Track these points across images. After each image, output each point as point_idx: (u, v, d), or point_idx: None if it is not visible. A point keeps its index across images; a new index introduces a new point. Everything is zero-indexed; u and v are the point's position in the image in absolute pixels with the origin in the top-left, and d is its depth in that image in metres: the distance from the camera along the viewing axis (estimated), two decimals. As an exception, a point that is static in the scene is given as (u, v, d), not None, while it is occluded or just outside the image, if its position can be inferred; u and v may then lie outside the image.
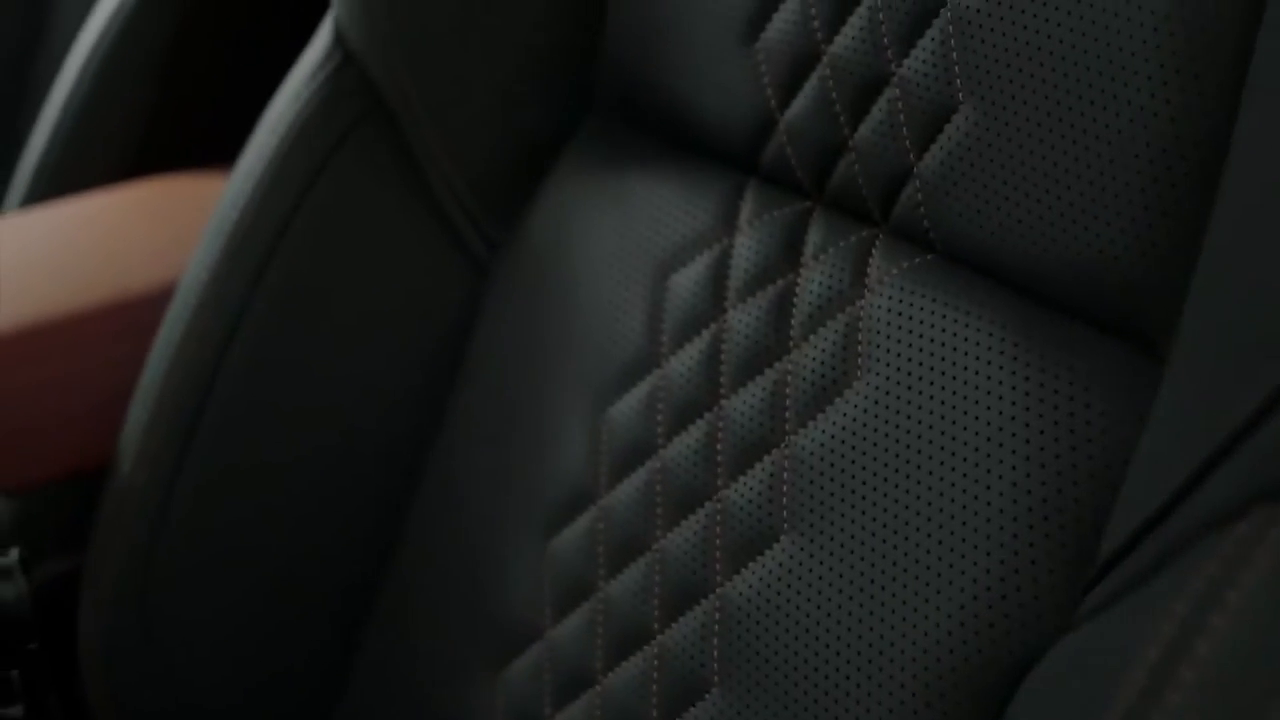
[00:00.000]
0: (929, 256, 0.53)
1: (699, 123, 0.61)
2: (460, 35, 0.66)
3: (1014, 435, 0.47)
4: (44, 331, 0.74)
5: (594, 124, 0.66)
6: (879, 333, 0.52)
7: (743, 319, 0.57)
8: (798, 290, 0.56)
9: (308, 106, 0.68)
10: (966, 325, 0.50)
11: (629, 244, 0.62)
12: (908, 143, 0.53)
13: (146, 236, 0.83)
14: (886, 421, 0.51)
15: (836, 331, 0.54)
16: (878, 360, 0.52)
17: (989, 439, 0.48)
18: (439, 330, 0.68)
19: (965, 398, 0.49)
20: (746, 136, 0.59)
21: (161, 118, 0.94)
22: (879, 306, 0.53)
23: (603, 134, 0.66)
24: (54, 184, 0.93)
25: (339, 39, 0.69)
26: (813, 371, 0.54)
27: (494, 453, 0.65)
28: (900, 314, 0.52)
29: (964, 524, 0.48)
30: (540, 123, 0.67)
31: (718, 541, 0.55)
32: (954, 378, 0.50)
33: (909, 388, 0.51)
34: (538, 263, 0.65)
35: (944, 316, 0.51)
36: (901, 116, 0.53)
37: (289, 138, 0.68)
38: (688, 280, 0.59)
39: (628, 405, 0.60)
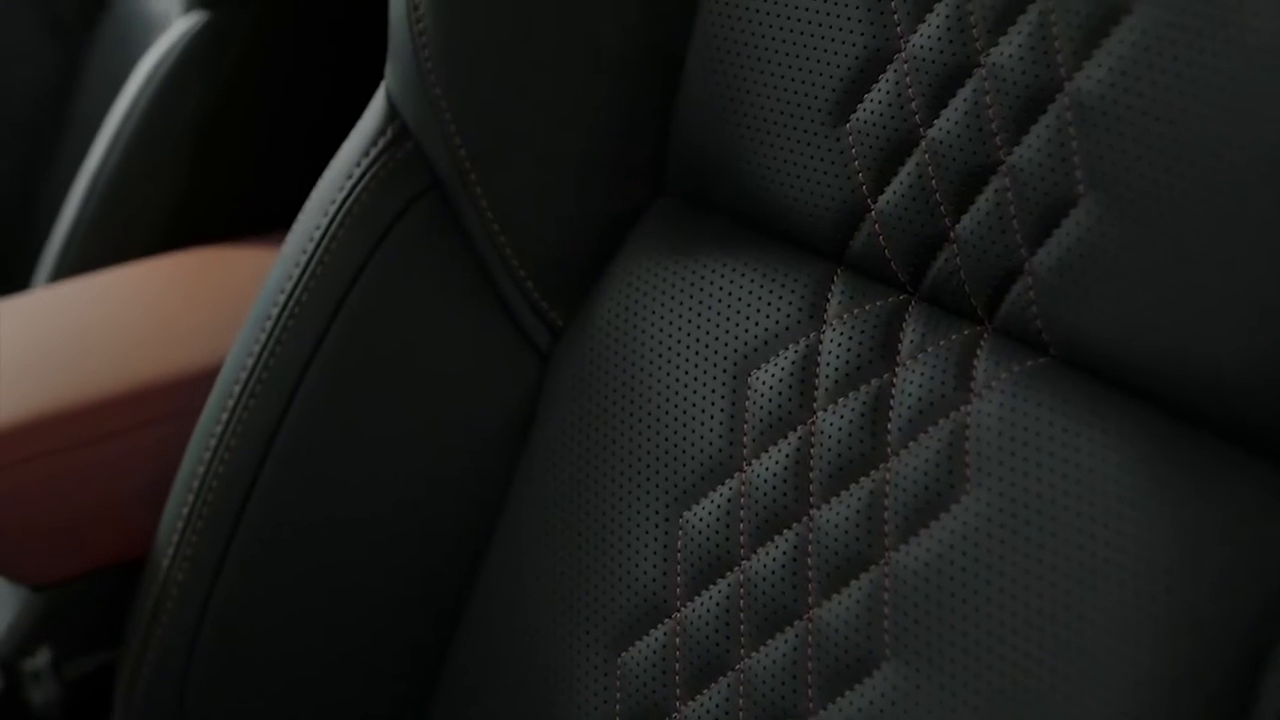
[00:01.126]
0: (1041, 359, 0.49)
1: (780, 207, 0.57)
2: (522, 113, 0.62)
3: (1152, 573, 0.43)
4: (76, 417, 0.71)
5: (664, 205, 0.63)
6: (989, 442, 0.48)
7: (834, 421, 0.53)
8: (895, 391, 0.52)
9: (360, 184, 0.64)
10: (1090, 439, 0.46)
11: (705, 334, 0.58)
12: (1018, 236, 0.49)
13: (185, 313, 0.80)
14: (1002, 541, 0.47)
15: (940, 439, 0.50)
16: (989, 473, 0.48)
17: (1122, 567, 0.44)
18: (498, 417, 0.64)
19: (1093, 520, 0.45)
20: (834, 223, 0.56)
21: (197, 187, 0.90)
22: (988, 413, 0.49)
23: (673, 215, 0.62)
24: (85, 256, 0.90)
25: (393, 111, 0.65)
26: (915, 482, 0.50)
27: (558, 551, 0.61)
28: (1013, 423, 0.48)
29: (1091, 662, 0.44)
30: (606, 203, 0.63)
31: (809, 665, 0.51)
32: (1078, 497, 0.45)
33: (1026, 505, 0.47)
34: (604, 351, 0.62)
35: (1064, 429, 0.47)
36: (1011, 208, 0.49)
37: (341, 216, 0.64)
38: (771, 377, 0.56)
39: (706, 511, 0.56)
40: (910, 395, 0.51)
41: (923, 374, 0.51)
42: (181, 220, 0.91)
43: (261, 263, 0.85)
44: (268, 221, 0.90)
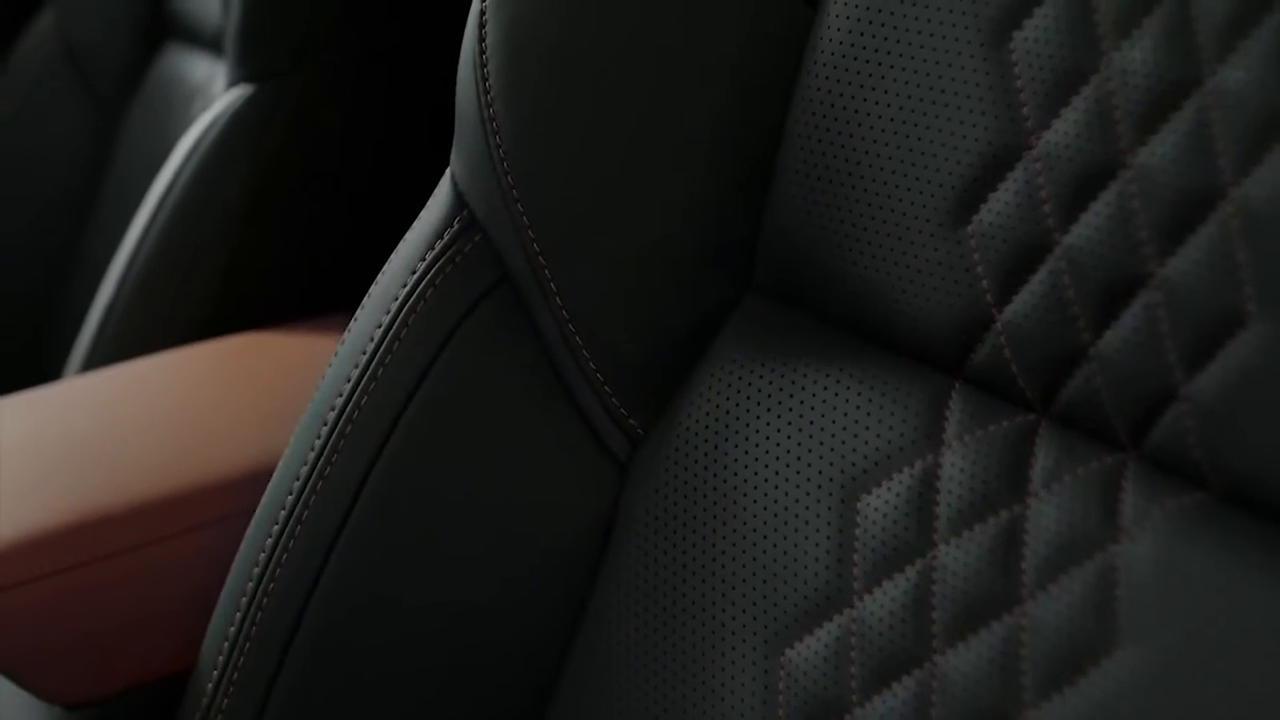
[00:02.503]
0: (1199, 495, 0.44)
1: (890, 312, 0.52)
2: (601, 204, 0.57)
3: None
4: (111, 523, 0.66)
5: (755, 305, 0.58)
6: (1144, 589, 0.43)
7: (959, 557, 0.48)
8: (1029, 525, 0.47)
9: (426, 278, 0.60)
10: (1266, 587, 0.41)
11: (806, 452, 0.53)
12: (1173, 357, 0.44)
13: (230, 406, 0.75)
14: (1163, 704, 0.42)
15: (1085, 583, 0.45)
16: (1145, 624, 0.43)
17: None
18: (572, 530, 0.59)
19: (1273, 679, 0.40)
20: (952, 334, 0.51)
21: (241, 268, 0.86)
22: (1140, 556, 0.44)
23: (767, 317, 0.57)
24: (121, 341, 0.86)
25: (461, 200, 0.61)
26: (1057, 630, 0.45)
27: (642, 685, 0.56)
28: (1172, 567, 0.43)
29: None
30: (691, 302, 0.58)
31: (935, 832, 0.46)
32: (1254, 653, 0.40)
33: (1191, 662, 0.41)
34: (691, 464, 0.57)
35: (1234, 575, 0.42)
36: (1164, 326, 0.44)
37: (404, 313, 0.60)
38: (884, 503, 0.51)
39: (811, 650, 0.51)
40: (1047, 530, 0.46)
41: (1060, 507, 0.46)
42: (225, 303, 0.86)
43: (310, 349, 0.80)
44: (317, 304, 0.86)
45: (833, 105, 0.54)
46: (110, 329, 0.86)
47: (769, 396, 0.55)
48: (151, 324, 0.85)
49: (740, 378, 0.56)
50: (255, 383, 0.78)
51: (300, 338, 0.83)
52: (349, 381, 0.60)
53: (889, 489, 0.50)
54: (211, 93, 1.20)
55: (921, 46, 0.51)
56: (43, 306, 1.19)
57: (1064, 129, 0.47)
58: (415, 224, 0.62)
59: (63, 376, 0.93)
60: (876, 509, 0.50)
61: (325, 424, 0.60)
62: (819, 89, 0.54)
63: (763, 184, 0.57)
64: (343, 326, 0.83)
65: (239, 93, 0.87)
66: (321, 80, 0.86)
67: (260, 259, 0.87)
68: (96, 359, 0.87)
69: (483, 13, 0.60)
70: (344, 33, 0.86)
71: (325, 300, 0.86)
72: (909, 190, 0.51)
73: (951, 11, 0.50)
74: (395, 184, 0.89)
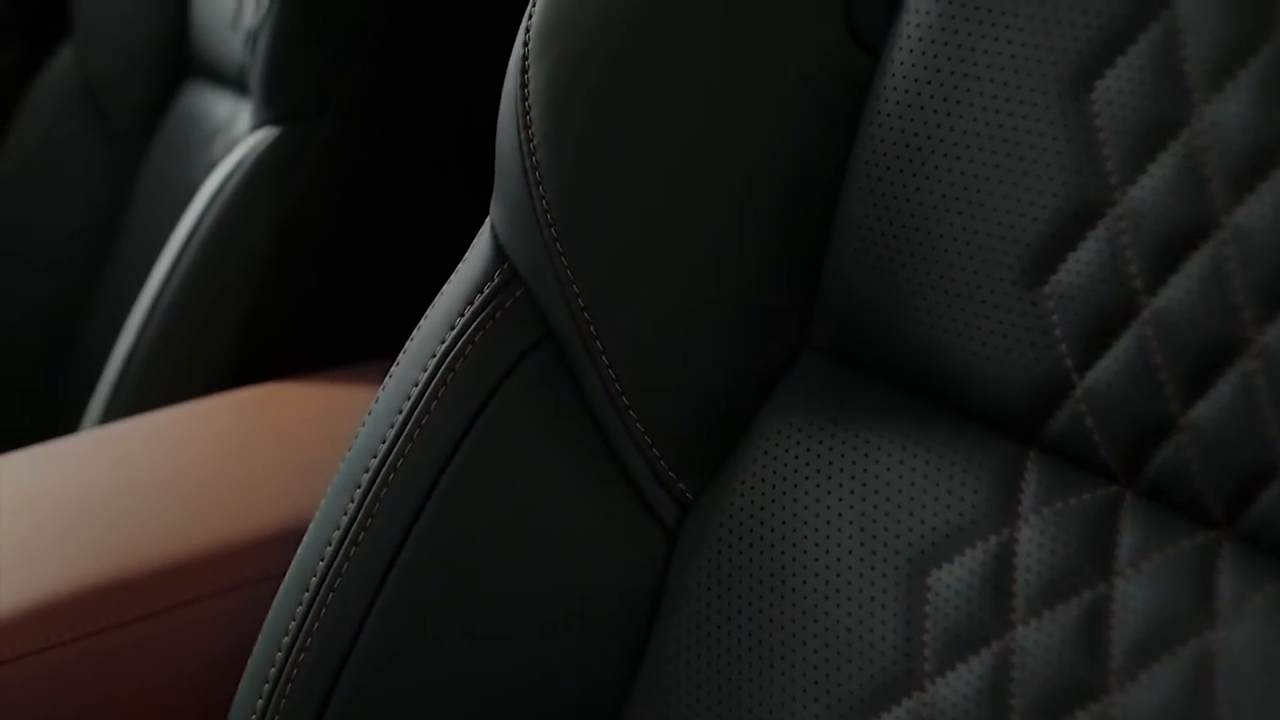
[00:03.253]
0: (1304, 578, 0.41)
1: (959, 376, 0.50)
2: (651, 259, 0.55)
3: None
4: (133, 585, 0.63)
5: (812, 363, 0.55)
6: (1245, 680, 0.40)
7: (1039, 640, 0.45)
8: (1114, 607, 0.44)
9: (465, 335, 0.57)
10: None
11: (871, 523, 0.50)
12: (1273, 429, 0.41)
13: (255, 460, 0.73)
14: (1271, 809, 0.39)
15: (1180, 671, 0.42)
16: (1250, 716, 0.40)
17: None
18: (617, 598, 0.56)
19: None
20: (1028, 399, 0.48)
21: (265, 315, 0.84)
22: (1240, 642, 0.41)
23: (823, 376, 0.55)
24: (142, 390, 0.83)
25: (501, 253, 0.58)
26: (1150, 722, 0.42)
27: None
28: (1276, 657, 0.40)
29: None
30: (745, 361, 0.55)
31: None
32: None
33: (1301, 764, 0.39)
34: (745, 534, 0.54)
35: (1347, 670, 0.39)
36: (1263, 396, 0.41)
37: (443, 371, 0.57)
38: (956, 580, 0.48)
39: (880, 735, 0.48)
40: (1136, 613, 0.43)
41: (1150, 588, 0.43)
42: (249, 350, 0.84)
43: (338, 399, 0.78)
44: (344, 352, 0.83)
45: (898, 156, 0.51)
46: (130, 377, 0.83)
47: (829, 463, 0.52)
48: (174, 372, 0.83)
49: (798, 442, 0.53)
50: (281, 435, 0.75)
51: (327, 387, 0.80)
52: (384, 442, 0.58)
53: (961, 564, 0.48)
54: (234, 132, 1.18)
55: (994, 96, 0.48)
56: (59, 351, 1.17)
57: (1151, 185, 0.45)
58: (454, 276, 0.60)
59: (80, 426, 0.90)
60: (948, 585, 0.48)
61: (359, 486, 0.58)
62: (882, 139, 0.51)
63: (820, 236, 0.54)
64: (370, 375, 0.81)
65: (264, 135, 0.85)
66: (348, 123, 0.84)
67: (286, 305, 0.84)
68: (116, 408, 0.84)
69: (525, 57, 0.58)
70: (371, 74, 0.84)
71: (352, 348, 0.84)
72: (981, 246, 0.49)
73: (1027, 59, 0.48)
74: (424, 228, 0.87)
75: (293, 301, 0.84)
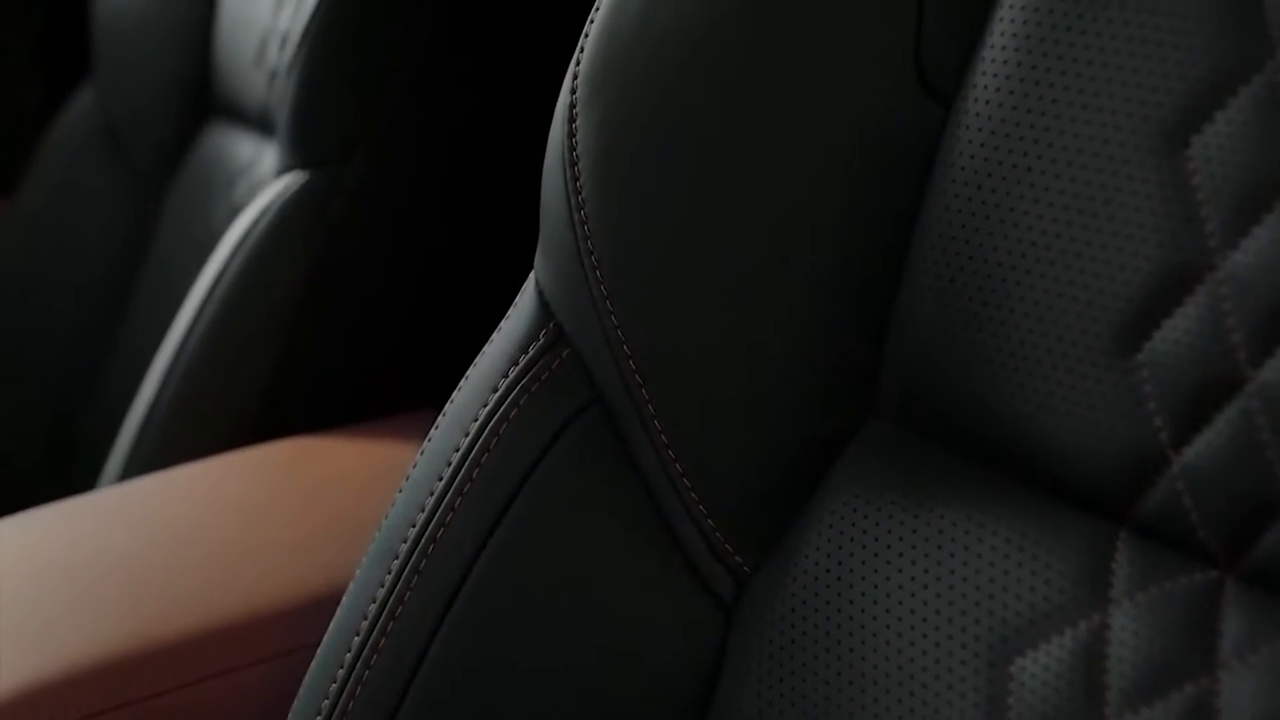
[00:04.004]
0: None
1: (1043, 449, 0.47)
2: (707, 319, 0.52)
3: None
4: (153, 659, 0.60)
5: (878, 433, 0.52)
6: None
7: (1138, 737, 0.42)
8: (1220, 704, 0.41)
9: (509, 398, 0.54)
10: None
11: (946, 604, 0.47)
12: (1399, 517, 0.38)
13: (283, 521, 0.70)
14: None
15: (1297, 778, 0.39)
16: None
17: None
18: (670, 678, 0.53)
19: None
20: (1118, 475, 0.45)
21: (291, 367, 0.81)
22: (1365, 749, 0.38)
23: (890, 446, 0.51)
24: (164, 443, 0.80)
25: (547, 310, 0.55)
26: (1265, 834, 0.39)
27: None
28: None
29: None
30: (806, 428, 0.52)
31: None
32: None
33: None
34: (809, 612, 0.51)
35: None
36: (1387, 479, 0.39)
37: (485, 436, 0.54)
38: (1043, 669, 0.44)
39: (961, 836, 0.45)
40: (1243, 710, 0.40)
41: (1259, 683, 0.40)
42: (274, 403, 0.81)
43: (366, 455, 0.75)
44: (371, 406, 0.80)
45: (973, 213, 0.48)
46: (152, 429, 0.80)
47: (900, 539, 0.49)
48: (197, 425, 0.80)
49: (865, 516, 0.50)
50: (308, 494, 0.72)
51: (355, 443, 0.77)
52: (423, 511, 0.55)
53: (1048, 652, 0.44)
54: (257, 173, 1.15)
55: (1080, 151, 0.45)
56: (79, 395, 1.14)
57: (1255, 249, 0.42)
58: (496, 334, 0.57)
59: (100, 477, 0.87)
60: (1034, 675, 0.44)
61: (396, 556, 0.55)
62: (956, 193, 0.48)
63: (886, 298, 0.51)
64: (401, 429, 0.78)
65: (291, 180, 0.82)
66: (378, 167, 0.81)
67: (312, 356, 0.81)
68: (137, 462, 0.81)
69: (572, 105, 0.55)
70: (401, 117, 0.81)
71: (381, 401, 0.81)
72: (1067, 310, 0.46)
73: (1115, 112, 0.45)
74: (454, 278, 0.84)
75: (319, 352, 0.81)
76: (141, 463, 0.82)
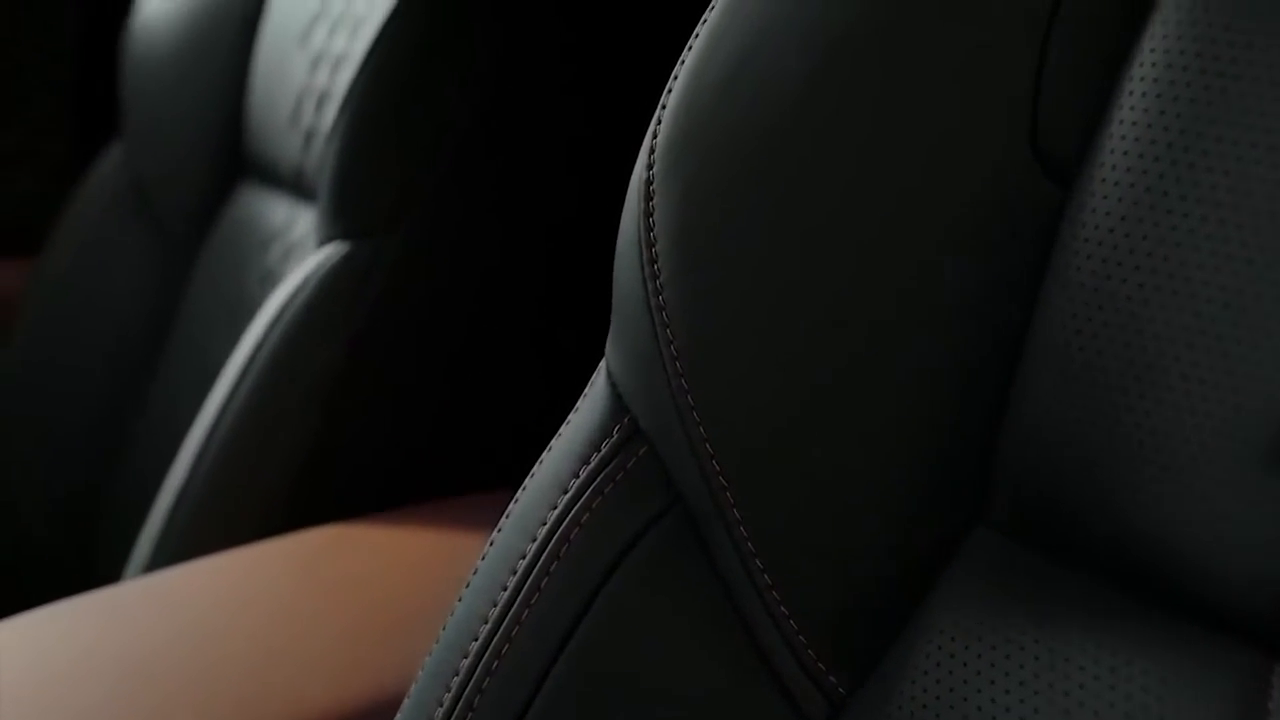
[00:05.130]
0: None
1: (1179, 566, 0.42)
2: (801, 414, 0.47)
3: None
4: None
5: (989, 543, 0.47)
6: None
7: None
8: None
9: (581, 500, 0.50)
10: None
11: (1075, 740, 0.42)
12: None
13: (324, 621, 0.65)
14: None
15: None
16: None
17: None
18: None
19: None
20: (1271, 599, 0.40)
21: (330, 449, 0.76)
22: None
23: (1005, 559, 0.47)
24: (194, 530, 0.76)
25: (620, 403, 0.51)
26: None
27: None
28: None
29: None
30: (908, 537, 0.48)
31: None
32: None
33: None
34: (912, 740, 0.46)
35: None
36: None
37: (555, 542, 0.49)
38: (1194, 823, 0.40)
39: None
40: None
41: None
42: (310, 486, 0.76)
43: (409, 545, 0.71)
44: (410, 492, 0.76)
45: (1100, 305, 0.44)
46: (182, 515, 0.76)
47: (1021, 668, 0.44)
48: (229, 511, 0.76)
49: (978, 638, 0.45)
50: (349, 588, 0.68)
51: (396, 531, 0.73)
52: (485, 623, 0.50)
53: (1199, 804, 0.40)
54: (291, 237, 1.11)
55: (1227, 239, 0.41)
56: (103, 467, 1.10)
57: None
58: (564, 428, 0.52)
59: (126, 565, 0.83)
60: (1183, 830, 0.40)
61: (457, 674, 0.50)
62: (1082, 283, 0.44)
63: (998, 395, 0.47)
64: (443, 517, 0.74)
65: (331, 251, 0.78)
66: (424, 237, 0.77)
67: (351, 437, 0.77)
68: (165, 550, 0.77)
69: (649, 181, 0.51)
70: (449, 185, 0.77)
71: (423, 485, 0.77)
72: (1210, 415, 0.41)
73: (1270, 196, 0.40)
74: (503, 355, 0.79)
75: (358, 432, 0.77)
76: (172, 546, 0.77)
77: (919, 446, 0.47)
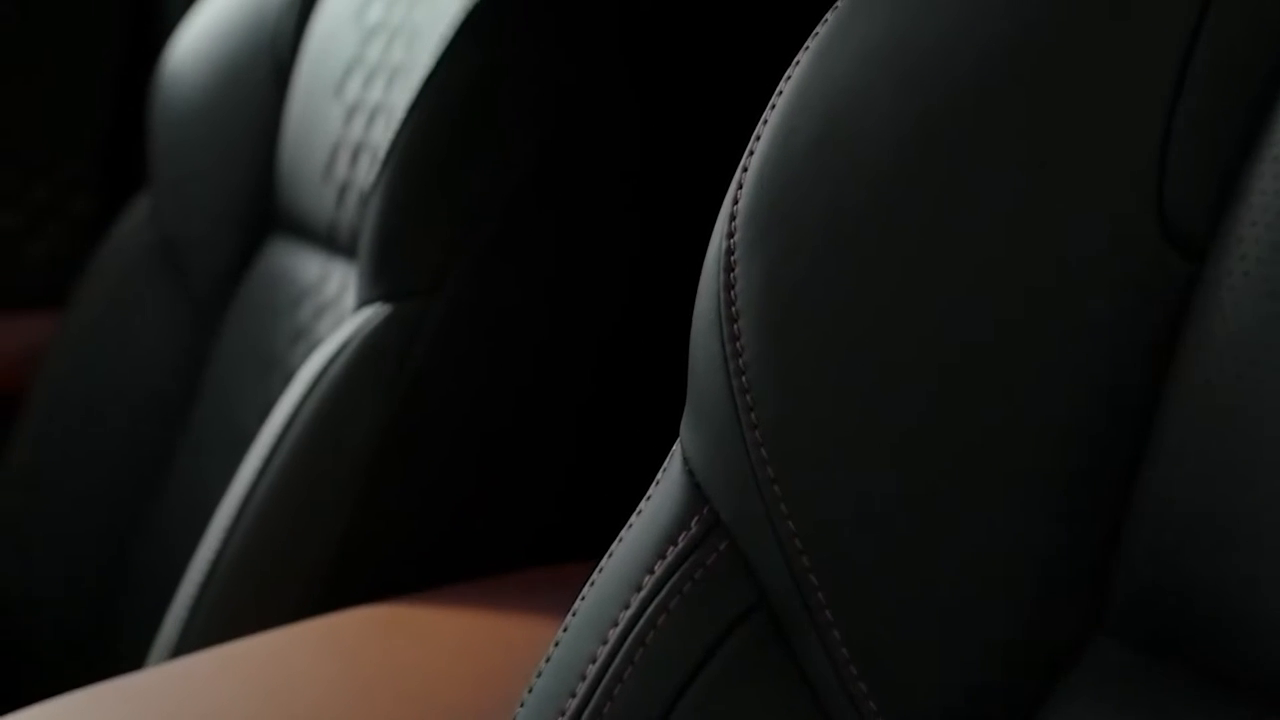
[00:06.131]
0: None
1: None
2: (901, 511, 0.43)
3: None
4: None
5: (1108, 650, 0.42)
6: None
7: None
8: None
9: (655, 601, 0.45)
10: None
11: None
12: None
13: (358, 709, 0.61)
14: None
15: None
16: None
17: None
18: None
19: None
20: None
21: (369, 523, 0.72)
22: None
23: (1125, 670, 0.42)
24: (223, 611, 0.72)
25: (698, 493, 0.47)
26: None
27: None
28: None
29: None
30: (1019, 643, 0.43)
31: None
32: None
33: None
34: None
35: None
36: None
37: (628, 647, 0.45)
38: None
39: None
40: None
41: None
42: (349, 565, 0.72)
43: (455, 628, 0.67)
44: (459, 568, 0.72)
45: (1233, 388, 0.39)
46: (213, 589, 0.72)
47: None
48: (263, 586, 0.72)
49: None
50: (390, 675, 0.64)
51: (439, 613, 0.69)
52: (560, 724, 0.46)
53: None
54: (325, 295, 1.08)
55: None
56: (126, 537, 1.06)
57: None
58: (637, 520, 0.48)
59: (149, 654, 0.79)
60: None
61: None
62: (1221, 368, 0.40)
63: (1122, 483, 0.43)
64: (493, 596, 0.69)
65: (372, 314, 0.74)
66: (470, 299, 0.73)
67: (392, 511, 0.73)
68: (195, 627, 0.73)
69: (730, 250, 0.47)
70: (499, 243, 0.73)
71: (469, 562, 0.72)
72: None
73: None
74: (551, 424, 0.75)
75: (400, 506, 0.73)
76: (200, 627, 0.73)
77: (1034, 540, 0.43)
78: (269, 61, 1.18)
